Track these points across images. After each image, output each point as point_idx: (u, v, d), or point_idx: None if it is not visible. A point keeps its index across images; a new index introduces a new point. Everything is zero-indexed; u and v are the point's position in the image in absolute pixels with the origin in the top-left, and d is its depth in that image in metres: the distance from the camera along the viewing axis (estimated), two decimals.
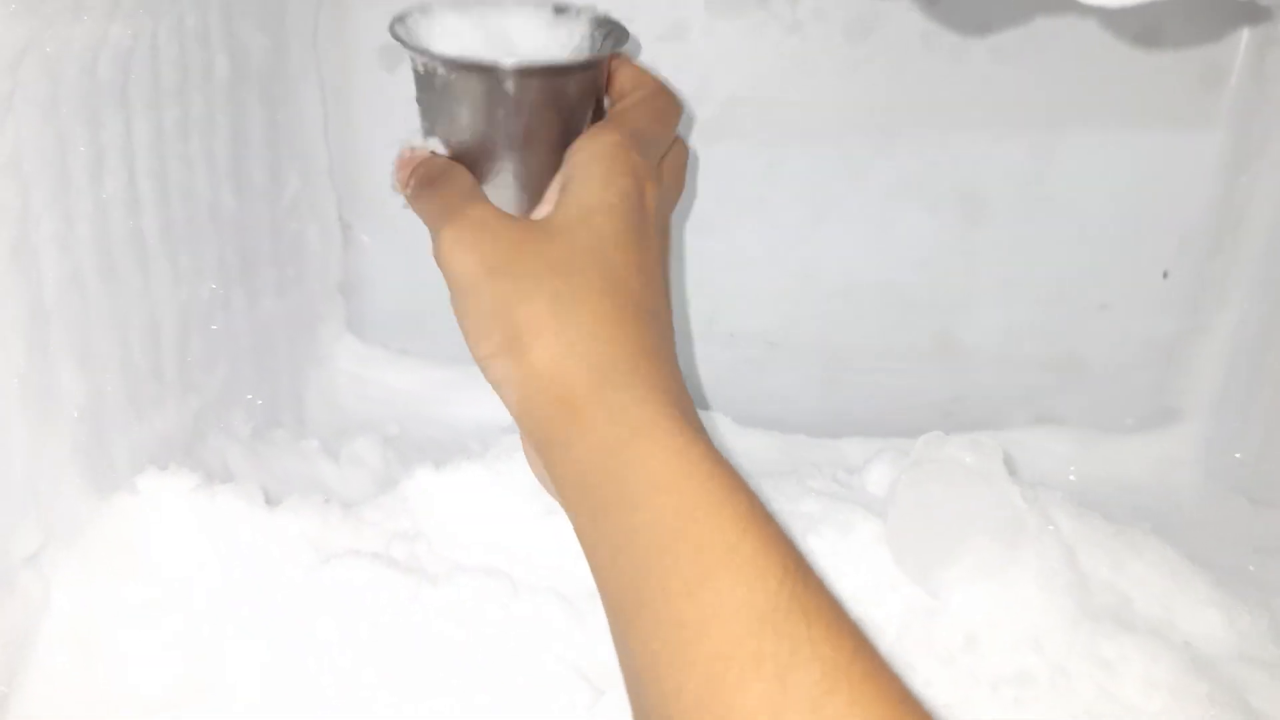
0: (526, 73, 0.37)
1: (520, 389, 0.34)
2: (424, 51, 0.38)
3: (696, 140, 0.67)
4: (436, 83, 0.39)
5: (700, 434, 0.31)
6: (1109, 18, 0.58)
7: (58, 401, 0.46)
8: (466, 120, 0.39)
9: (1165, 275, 0.67)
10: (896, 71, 0.64)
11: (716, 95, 0.66)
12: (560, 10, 0.42)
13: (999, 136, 0.65)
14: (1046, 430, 0.66)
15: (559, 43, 0.42)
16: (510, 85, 0.38)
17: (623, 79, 0.42)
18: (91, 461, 0.48)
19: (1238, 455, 0.62)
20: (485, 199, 0.37)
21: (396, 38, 0.40)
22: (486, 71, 0.37)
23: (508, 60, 0.37)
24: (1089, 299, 0.69)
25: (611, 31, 0.41)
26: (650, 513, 0.30)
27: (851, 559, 0.47)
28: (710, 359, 0.73)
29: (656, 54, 0.65)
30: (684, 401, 0.33)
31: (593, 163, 0.36)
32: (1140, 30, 0.62)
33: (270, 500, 0.51)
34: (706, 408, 0.70)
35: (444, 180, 0.38)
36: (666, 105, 0.41)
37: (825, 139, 0.67)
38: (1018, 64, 0.63)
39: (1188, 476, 0.65)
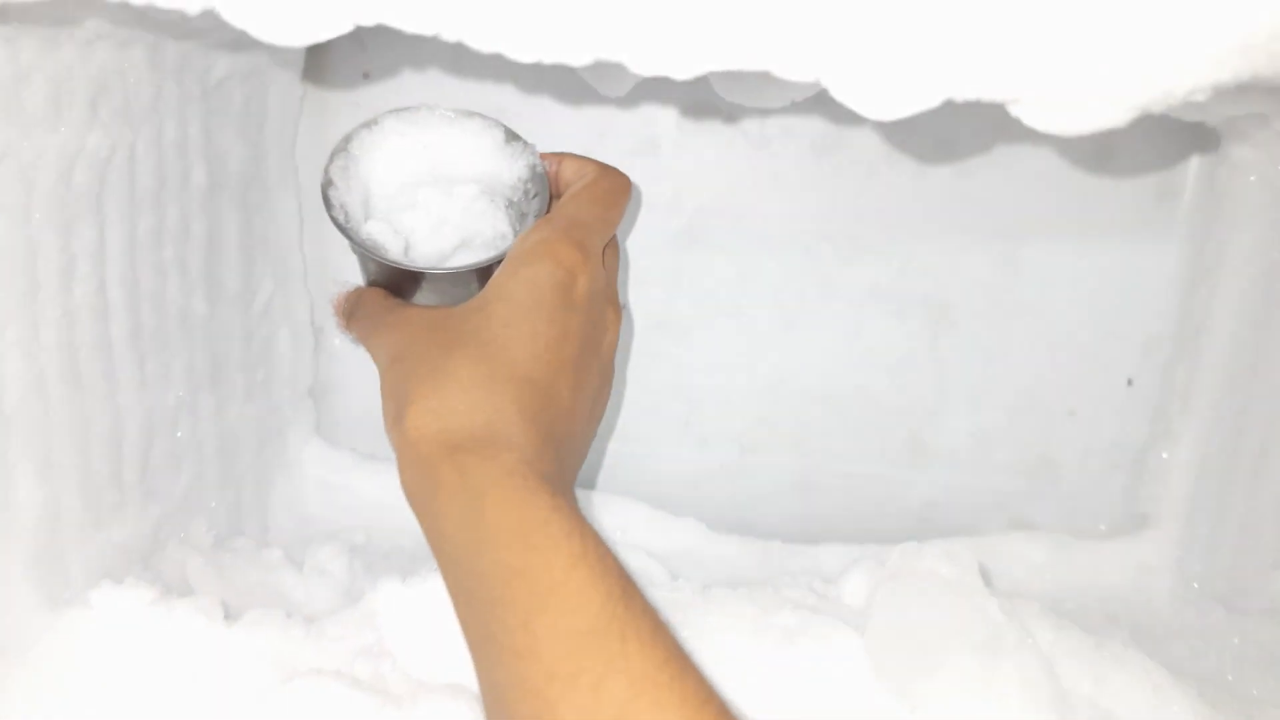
0: (445, 274, 0.44)
1: (398, 455, 0.37)
2: (353, 243, 0.44)
3: (669, 248, 0.68)
4: (367, 261, 0.45)
5: (546, 484, 0.34)
6: (1064, 140, 0.60)
7: (13, 512, 0.45)
8: (395, 282, 0.45)
9: (1130, 383, 0.68)
10: (863, 185, 0.66)
11: (688, 206, 0.68)
12: (511, 139, 0.47)
13: (964, 248, 0.67)
14: (1020, 536, 0.66)
15: (499, 179, 0.47)
16: (431, 277, 0.44)
17: (567, 172, 0.47)
18: (45, 574, 0.46)
19: (1209, 563, 0.62)
20: (397, 306, 0.43)
21: (335, 221, 0.44)
22: (409, 272, 0.44)
23: (434, 269, 0.44)
24: (1057, 405, 0.69)
25: (538, 194, 0.46)
26: (492, 557, 0.33)
27: (829, 672, 0.46)
28: (683, 464, 0.72)
29: (629, 167, 0.65)
30: (543, 458, 0.36)
31: (513, 259, 0.41)
32: (1095, 149, 0.64)
33: (230, 614, 0.49)
34: (680, 513, 0.69)
35: (362, 309, 0.45)
36: (609, 186, 0.46)
37: (795, 248, 0.68)
38: (979, 180, 0.66)
39: (1162, 583, 0.64)
